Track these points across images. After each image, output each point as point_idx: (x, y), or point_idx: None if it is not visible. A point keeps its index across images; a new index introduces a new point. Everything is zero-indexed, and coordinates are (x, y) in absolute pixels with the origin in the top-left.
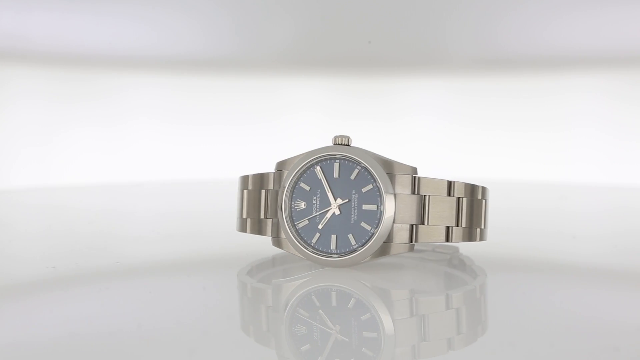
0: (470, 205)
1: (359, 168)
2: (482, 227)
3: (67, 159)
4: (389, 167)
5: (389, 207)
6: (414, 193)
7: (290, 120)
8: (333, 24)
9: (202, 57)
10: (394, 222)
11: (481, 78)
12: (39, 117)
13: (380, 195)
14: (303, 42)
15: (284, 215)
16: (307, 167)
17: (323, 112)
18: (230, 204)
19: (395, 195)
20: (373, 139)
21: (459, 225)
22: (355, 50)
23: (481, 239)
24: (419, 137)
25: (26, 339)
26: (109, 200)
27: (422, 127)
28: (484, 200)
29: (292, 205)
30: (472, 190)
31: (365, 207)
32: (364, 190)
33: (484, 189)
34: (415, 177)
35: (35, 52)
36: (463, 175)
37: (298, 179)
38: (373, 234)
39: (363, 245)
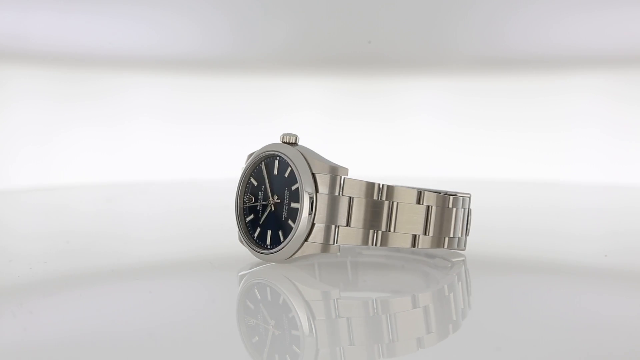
0: (402, 210)
1: (291, 167)
2: (426, 233)
3: (66, 159)
4: (318, 167)
5: (306, 206)
6: (337, 194)
7: (291, 120)
8: (333, 24)
9: (202, 57)
10: (314, 221)
11: (481, 78)
12: (39, 117)
13: (301, 194)
14: (303, 42)
15: (236, 208)
16: (256, 163)
17: (323, 112)
18: (229, 203)
19: (318, 195)
20: (373, 139)
21: (388, 229)
22: (355, 50)
23: (425, 246)
24: (419, 137)
25: (26, 340)
26: (108, 199)
27: (422, 127)
28: (429, 207)
29: (245, 199)
30: (406, 195)
31: (292, 205)
32: (292, 188)
33: (429, 194)
34: (341, 177)
35: (35, 52)
36: (463, 174)
37: (250, 173)
38: (294, 232)
39: (288, 242)
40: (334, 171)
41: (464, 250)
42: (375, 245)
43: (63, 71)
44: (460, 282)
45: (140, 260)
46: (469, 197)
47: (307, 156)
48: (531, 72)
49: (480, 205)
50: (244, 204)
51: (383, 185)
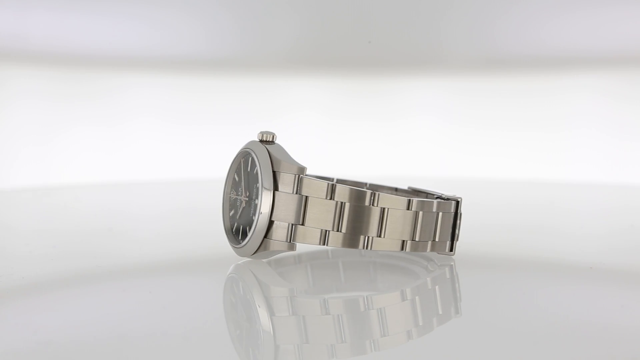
0: (354, 211)
1: (257, 164)
2: (380, 235)
3: (67, 159)
4: (281, 166)
5: (264, 203)
6: (294, 192)
7: (291, 120)
8: (333, 25)
9: (203, 57)
10: (271, 218)
11: (481, 78)
12: (39, 117)
13: (260, 192)
14: (303, 42)
15: (223, 204)
16: (238, 160)
17: (323, 112)
18: None
19: (276, 192)
20: (373, 138)
21: (339, 230)
22: (355, 50)
23: (376, 248)
24: (419, 137)
25: (25, 341)
26: (108, 199)
27: (422, 127)
28: (383, 209)
29: (231, 195)
30: (358, 196)
31: (256, 201)
32: (257, 185)
33: (384, 195)
34: (298, 176)
35: (35, 51)
36: (462, 174)
37: (235, 169)
38: (253, 229)
39: (249, 238)
40: (295, 170)
41: (452, 254)
42: (326, 245)
43: (63, 71)
44: (435, 286)
45: (138, 261)
46: (456, 202)
47: (273, 154)
48: (531, 72)
49: (479, 205)
50: (230, 199)
51: (335, 185)
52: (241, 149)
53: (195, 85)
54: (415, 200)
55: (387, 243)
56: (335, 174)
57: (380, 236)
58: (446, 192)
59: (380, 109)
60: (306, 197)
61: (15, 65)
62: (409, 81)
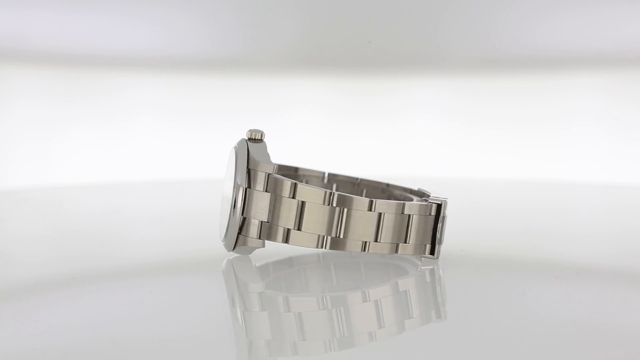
0: (314, 210)
1: (236, 161)
2: (337, 235)
3: (67, 157)
4: (256, 164)
5: (237, 200)
6: (265, 191)
7: (292, 119)
8: (334, 24)
9: (204, 56)
10: (244, 215)
11: (482, 77)
12: (39, 115)
13: (235, 188)
14: (304, 42)
15: (222, 200)
16: (231, 157)
17: (324, 111)
18: None
19: (248, 190)
20: (374, 137)
21: (299, 229)
22: (355, 50)
23: (334, 248)
24: (419, 136)
25: (24, 342)
26: (109, 199)
27: (422, 126)
28: (342, 209)
29: (228, 190)
30: (318, 196)
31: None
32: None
33: (338, 194)
34: (268, 174)
35: (35, 50)
36: (463, 173)
37: (230, 166)
38: (228, 224)
39: (226, 234)
40: (268, 169)
41: (434, 257)
42: (286, 242)
43: (63, 69)
44: (400, 290)
45: (136, 262)
46: (437, 205)
47: (251, 153)
48: (531, 71)
49: (478, 205)
50: (227, 194)
51: (295, 183)
52: (233, 147)
53: (196, 84)
54: (378, 201)
55: (348, 244)
56: (337, 173)
57: (339, 236)
58: (439, 195)
59: (381, 108)
60: (275, 195)
61: (15, 63)
62: (409, 80)
